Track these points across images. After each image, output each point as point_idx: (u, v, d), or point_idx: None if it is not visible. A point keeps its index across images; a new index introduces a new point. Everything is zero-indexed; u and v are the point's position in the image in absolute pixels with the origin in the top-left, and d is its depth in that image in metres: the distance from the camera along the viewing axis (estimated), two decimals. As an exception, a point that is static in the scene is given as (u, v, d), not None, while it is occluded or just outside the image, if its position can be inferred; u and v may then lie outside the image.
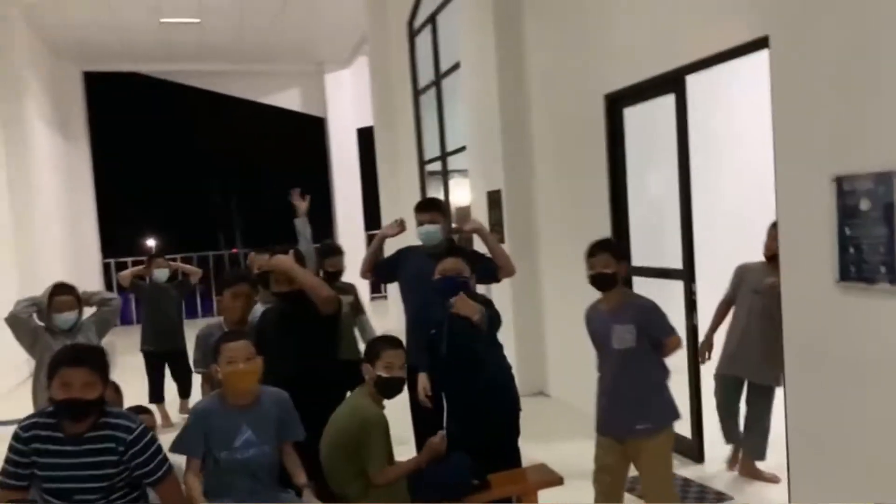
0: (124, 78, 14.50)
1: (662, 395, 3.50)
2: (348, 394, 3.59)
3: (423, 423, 4.32)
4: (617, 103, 5.30)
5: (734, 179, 4.87)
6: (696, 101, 4.54)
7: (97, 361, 2.72)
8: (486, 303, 3.67)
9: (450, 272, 3.62)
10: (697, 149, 4.58)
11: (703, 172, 4.64)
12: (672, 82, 4.63)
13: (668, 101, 4.68)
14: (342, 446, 3.17)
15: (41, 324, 4.37)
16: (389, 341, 3.38)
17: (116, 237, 14.33)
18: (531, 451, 4.05)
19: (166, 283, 6.87)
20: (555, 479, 3.56)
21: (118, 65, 13.85)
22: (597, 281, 3.50)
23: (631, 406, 3.44)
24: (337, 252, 5.51)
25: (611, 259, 3.47)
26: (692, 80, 4.51)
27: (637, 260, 5.25)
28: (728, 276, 4.58)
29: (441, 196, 9.43)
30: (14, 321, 4.30)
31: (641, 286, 5.31)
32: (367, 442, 3.14)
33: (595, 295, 3.64)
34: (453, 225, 5.66)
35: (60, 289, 4.39)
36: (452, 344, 3.61)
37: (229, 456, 3.01)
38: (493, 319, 3.61)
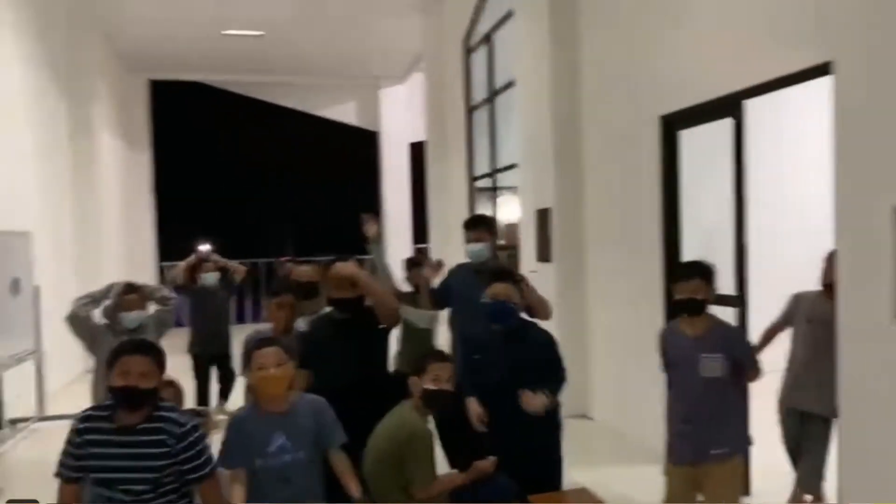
0: (186, 87, 14.93)
1: (740, 422, 3.46)
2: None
3: (451, 440, 4.31)
4: (672, 125, 5.25)
5: (790, 206, 4.77)
6: (753, 125, 4.47)
7: (156, 353, 2.82)
8: (555, 359, 3.66)
9: (500, 297, 3.60)
10: (753, 174, 4.50)
11: (758, 198, 4.55)
12: (730, 106, 4.57)
13: (725, 124, 4.62)
14: (387, 458, 3.18)
15: (100, 323, 4.47)
16: (437, 355, 3.39)
17: (172, 242, 14.69)
18: (572, 474, 4.00)
19: (214, 286, 7.00)
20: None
21: (181, 74, 14.28)
22: (686, 307, 3.40)
23: (709, 431, 3.37)
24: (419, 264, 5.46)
25: (702, 284, 3.38)
26: (750, 105, 4.44)
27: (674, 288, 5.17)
28: (781, 305, 4.48)
29: (489, 213, 9.45)
30: (73, 319, 4.38)
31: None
32: (412, 456, 3.15)
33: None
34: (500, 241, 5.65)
35: (129, 288, 4.48)
36: (503, 370, 3.55)
37: (264, 463, 3.03)
38: (559, 384, 3.61)
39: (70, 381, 8.96)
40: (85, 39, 10.25)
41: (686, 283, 3.39)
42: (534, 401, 3.41)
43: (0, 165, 7.07)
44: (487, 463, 3.36)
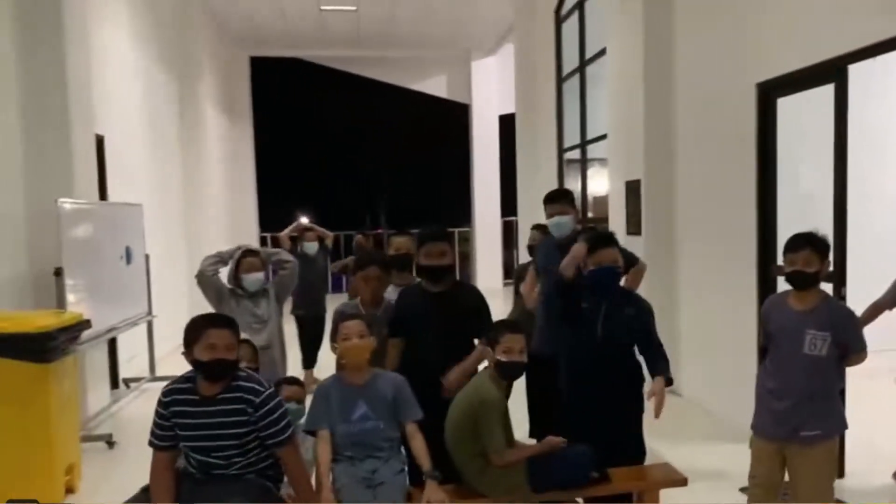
0: (284, 63, 15.39)
1: (836, 404, 3.35)
2: None
3: (539, 410, 4.36)
4: (770, 93, 5.02)
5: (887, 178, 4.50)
6: (855, 92, 4.22)
7: (235, 325, 3.00)
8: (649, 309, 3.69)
9: (606, 263, 3.59)
10: (855, 143, 4.26)
11: (859, 169, 4.31)
12: (832, 71, 4.33)
13: (827, 91, 4.38)
14: (462, 425, 3.26)
15: (227, 285, 4.68)
16: (510, 326, 3.43)
17: (272, 213, 15.29)
18: (657, 449, 3.96)
19: (315, 254, 7.37)
20: (678, 479, 3.49)
21: (281, 50, 14.73)
22: (796, 280, 3.27)
23: (804, 411, 3.27)
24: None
25: (814, 256, 3.22)
26: (853, 70, 4.19)
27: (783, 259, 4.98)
28: (881, 282, 4.26)
29: (578, 185, 9.33)
30: (201, 277, 4.62)
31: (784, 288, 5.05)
32: (485, 422, 3.21)
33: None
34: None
35: (248, 252, 4.69)
36: (606, 332, 3.57)
37: (347, 429, 3.21)
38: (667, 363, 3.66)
39: (178, 346, 9.55)
40: (192, 18, 10.74)
41: (795, 255, 3.23)
42: (660, 398, 3.47)
43: (114, 140, 7.55)
44: (559, 440, 3.38)
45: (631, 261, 4.29)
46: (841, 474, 4.49)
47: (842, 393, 3.48)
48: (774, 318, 3.40)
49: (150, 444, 2.98)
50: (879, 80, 6.06)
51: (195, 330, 2.90)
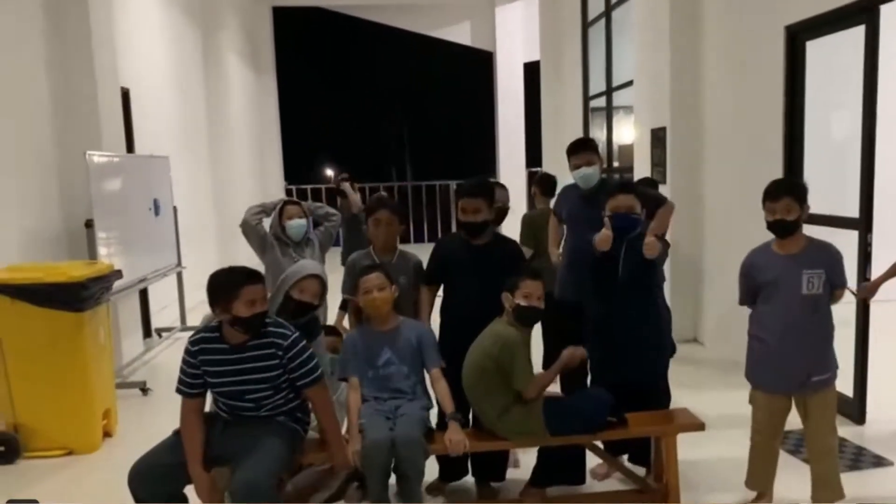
0: (307, 13, 15.24)
1: (832, 344, 3.41)
2: None
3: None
4: (799, 35, 4.89)
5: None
6: (889, 32, 4.10)
7: (263, 279, 3.09)
8: (663, 241, 3.74)
9: (622, 209, 3.61)
10: (885, 87, 4.16)
11: (889, 113, 4.22)
12: (864, 11, 4.20)
13: (857, 33, 4.26)
14: (483, 368, 3.32)
15: (270, 234, 4.80)
16: (530, 272, 3.46)
17: (296, 165, 15.35)
18: (677, 397, 4.00)
19: (360, 208, 7.45)
20: (695, 424, 3.51)
21: (303, 0, 14.56)
22: (779, 228, 3.30)
23: (812, 355, 3.32)
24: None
25: (794, 203, 3.24)
26: (886, 10, 4.06)
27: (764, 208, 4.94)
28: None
29: (603, 133, 9.22)
30: (245, 226, 4.83)
31: (812, 233, 5.00)
32: (508, 360, 3.27)
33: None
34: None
35: (290, 202, 4.82)
36: (627, 273, 3.61)
37: (374, 374, 3.39)
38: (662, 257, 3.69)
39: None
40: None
41: (776, 203, 3.26)
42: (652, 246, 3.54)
43: (142, 94, 7.60)
44: (578, 353, 3.42)
45: (659, 201, 4.28)
46: (861, 421, 4.52)
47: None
48: (764, 269, 3.41)
49: (179, 391, 3.09)
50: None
51: (232, 288, 2.94)
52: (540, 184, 5.72)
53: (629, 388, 3.57)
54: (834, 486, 3.39)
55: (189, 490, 3.12)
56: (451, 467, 3.73)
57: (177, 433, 3.13)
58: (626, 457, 3.90)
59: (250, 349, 3.01)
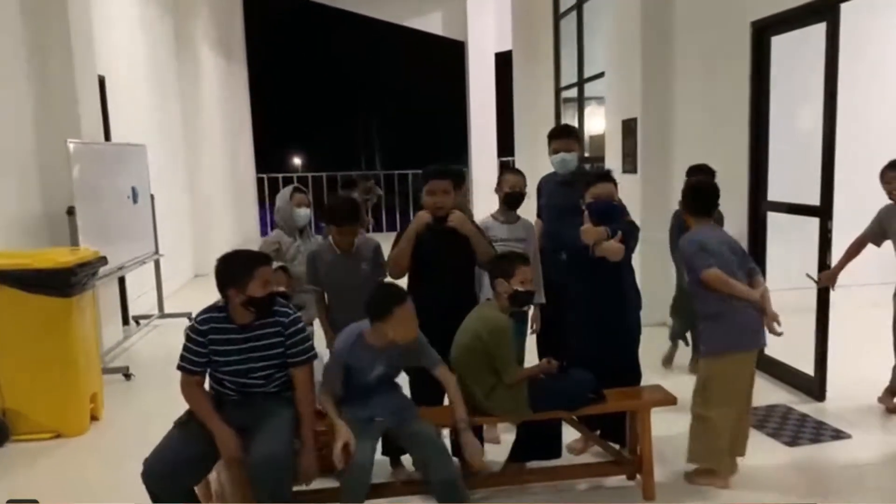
0: (279, 1, 15.17)
1: None
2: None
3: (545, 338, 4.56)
4: (764, 31, 5.11)
5: (880, 115, 4.64)
6: (846, 31, 4.33)
7: (271, 260, 3.22)
8: (631, 224, 3.88)
9: (603, 196, 3.79)
10: (844, 81, 4.39)
11: (849, 106, 4.46)
12: (825, 10, 4.43)
13: (819, 29, 4.49)
14: (473, 350, 3.43)
15: (280, 240, 4.68)
16: (522, 258, 3.60)
17: (268, 154, 15.29)
18: (650, 378, 4.14)
19: None
20: (669, 399, 3.67)
21: (272, -12, 14.46)
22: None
23: None
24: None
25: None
26: (846, 8, 4.29)
27: (773, 195, 5.17)
28: (866, 216, 4.46)
29: (575, 124, 9.41)
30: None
31: (774, 221, 5.25)
32: (499, 346, 3.41)
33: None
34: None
35: (299, 189, 4.85)
36: (596, 263, 3.77)
37: (362, 386, 3.31)
38: (631, 243, 3.83)
39: (182, 285, 9.77)
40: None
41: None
42: (609, 246, 3.69)
43: (117, 83, 7.58)
44: (551, 366, 3.58)
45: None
46: (822, 398, 4.78)
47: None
48: (712, 239, 3.64)
49: (182, 368, 3.14)
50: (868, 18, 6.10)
51: (246, 269, 3.04)
52: None
53: (603, 365, 3.73)
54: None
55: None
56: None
57: (180, 424, 3.15)
58: (599, 432, 4.09)
59: (256, 328, 3.13)
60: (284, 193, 4.80)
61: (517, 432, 3.78)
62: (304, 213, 4.76)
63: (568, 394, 3.54)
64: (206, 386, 3.27)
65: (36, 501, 2.76)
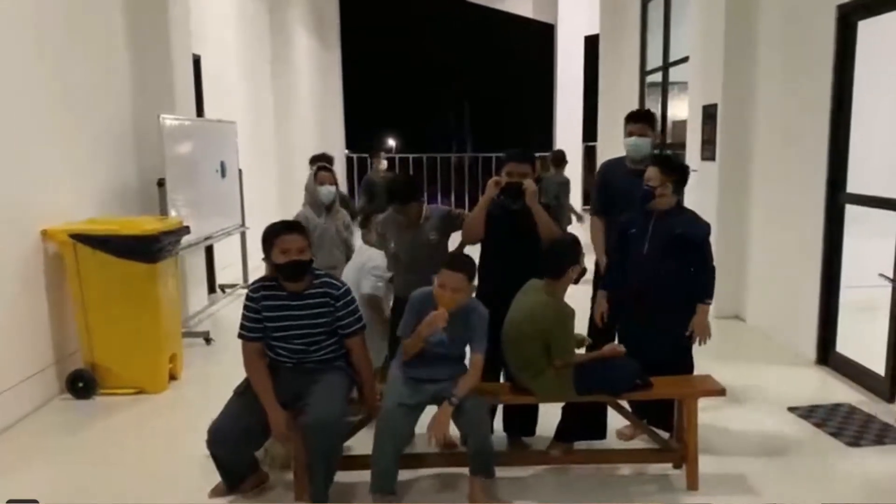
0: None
1: None
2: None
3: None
4: (850, 15, 4.87)
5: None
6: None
7: (304, 230, 3.36)
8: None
9: (646, 181, 3.75)
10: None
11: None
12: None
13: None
14: (531, 334, 3.44)
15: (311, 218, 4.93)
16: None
17: (357, 134, 15.68)
18: (711, 368, 4.01)
19: None
20: (716, 390, 3.62)
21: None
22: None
23: None
24: None
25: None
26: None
27: (855, 187, 4.95)
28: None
29: (659, 109, 9.21)
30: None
31: (858, 216, 5.03)
32: (563, 331, 3.45)
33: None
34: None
35: (324, 168, 5.09)
36: (653, 245, 3.75)
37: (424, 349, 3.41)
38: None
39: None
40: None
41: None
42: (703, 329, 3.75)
43: (212, 62, 7.98)
44: (618, 349, 3.63)
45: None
46: (892, 399, 4.57)
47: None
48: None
49: (241, 336, 3.36)
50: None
51: (270, 237, 3.27)
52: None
53: (654, 357, 3.70)
54: None
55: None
56: None
57: (239, 394, 3.35)
58: (646, 420, 4.07)
59: (306, 297, 3.31)
60: (311, 173, 5.02)
61: (563, 413, 3.82)
62: (328, 191, 4.94)
63: (613, 378, 3.55)
64: None
65: (36, 501, 2.94)
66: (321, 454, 3.20)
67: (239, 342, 3.40)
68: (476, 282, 3.74)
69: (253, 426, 3.25)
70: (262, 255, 3.41)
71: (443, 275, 3.29)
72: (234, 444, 3.26)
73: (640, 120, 4.31)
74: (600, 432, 3.80)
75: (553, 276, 3.51)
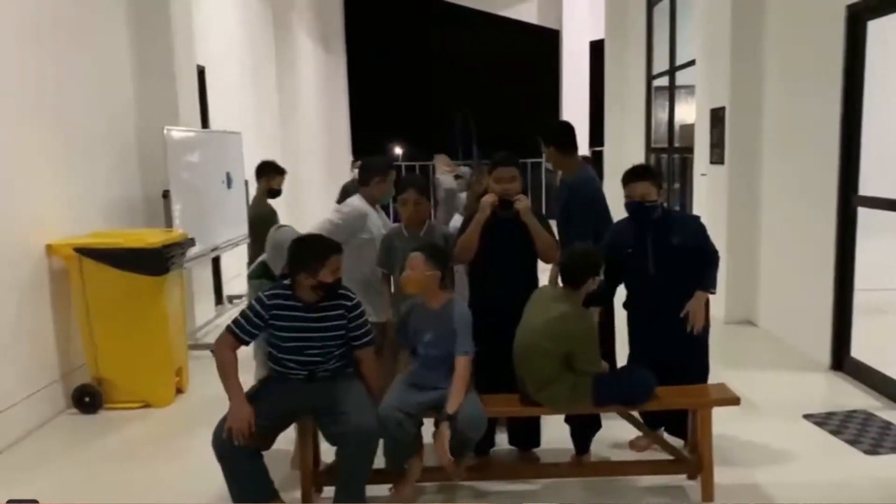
0: (376, -7, 15.47)
1: None
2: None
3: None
4: (860, 15, 4.80)
5: None
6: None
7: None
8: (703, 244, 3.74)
9: (636, 196, 3.66)
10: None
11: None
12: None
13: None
14: (552, 350, 3.35)
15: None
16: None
17: (363, 139, 15.67)
18: (724, 374, 3.99)
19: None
20: (729, 399, 3.53)
21: (371, -21, 14.75)
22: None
23: None
24: None
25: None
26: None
27: (867, 189, 4.87)
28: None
29: (665, 112, 9.17)
30: None
31: (870, 218, 4.96)
32: (589, 344, 3.39)
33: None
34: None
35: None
36: (658, 263, 3.68)
37: (420, 352, 3.49)
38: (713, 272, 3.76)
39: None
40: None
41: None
42: (698, 316, 3.66)
43: (217, 73, 7.98)
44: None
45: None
46: None
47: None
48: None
49: (230, 330, 3.26)
50: None
51: (323, 255, 3.22)
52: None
53: (667, 364, 3.65)
54: None
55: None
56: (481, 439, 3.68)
57: (248, 397, 3.24)
58: (663, 429, 4.02)
59: (321, 309, 3.29)
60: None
61: (571, 426, 3.78)
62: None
63: (631, 389, 3.48)
64: (264, 367, 3.47)
65: (36, 501, 2.90)
66: (362, 459, 3.22)
67: (247, 355, 3.36)
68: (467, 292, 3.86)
69: (259, 428, 3.18)
70: (291, 264, 3.27)
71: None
72: (237, 446, 3.18)
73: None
74: (596, 424, 3.82)
75: (572, 286, 3.46)
